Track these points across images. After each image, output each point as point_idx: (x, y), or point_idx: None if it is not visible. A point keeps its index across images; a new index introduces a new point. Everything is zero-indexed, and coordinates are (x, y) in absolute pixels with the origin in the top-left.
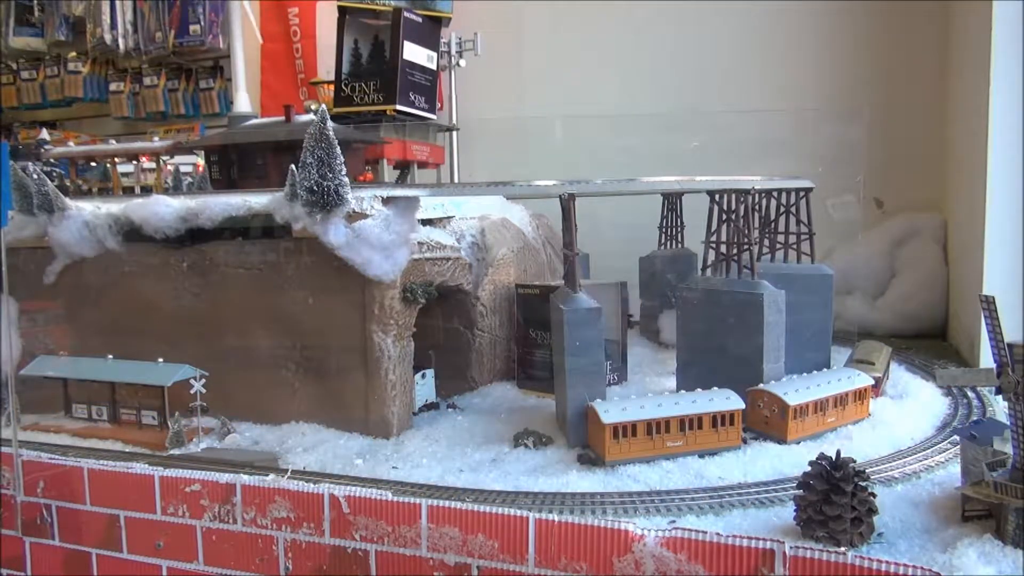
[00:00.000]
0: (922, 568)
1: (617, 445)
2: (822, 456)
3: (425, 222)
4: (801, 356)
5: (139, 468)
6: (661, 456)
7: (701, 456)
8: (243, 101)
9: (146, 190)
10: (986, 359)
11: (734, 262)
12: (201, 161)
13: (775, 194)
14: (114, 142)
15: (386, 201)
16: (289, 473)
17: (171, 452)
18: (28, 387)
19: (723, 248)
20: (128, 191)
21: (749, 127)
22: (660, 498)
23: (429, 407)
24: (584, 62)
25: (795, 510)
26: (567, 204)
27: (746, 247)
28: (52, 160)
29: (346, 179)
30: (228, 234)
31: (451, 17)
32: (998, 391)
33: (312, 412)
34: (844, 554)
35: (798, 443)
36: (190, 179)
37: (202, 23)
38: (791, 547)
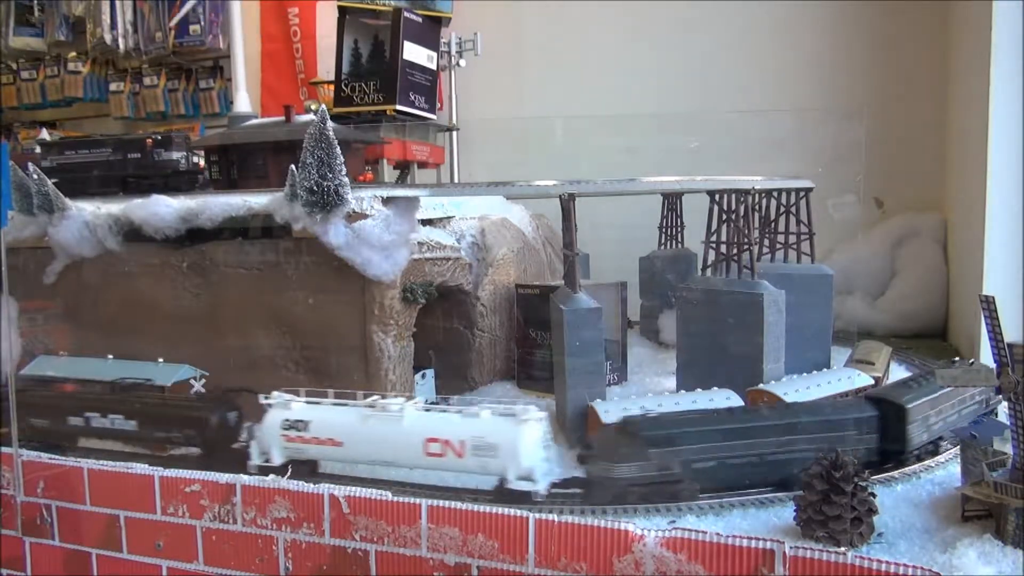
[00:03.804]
0: (922, 568)
1: None
2: (822, 456)
3: (425, 222)
4: (801, 356)
5: (139, 468)
6: None
7: None
8: (243, 101)
9: None
10: (986, 359)
11: (734, 262)
12: (201, 161)
13: (775, 194)
14: None
15: (386, 201)
16: (289, 473)
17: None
18: None
19: (723, 248)
20: None
21: (749, 127)
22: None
23: None
24: (584, 62)
25: (795, 510)
26: (567, 204)
27: (746, 247)
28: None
29: (346, 179)
30: (228, 234)
31: (451, 17)
32: (998, 391)
33: None
34: (844, 554)
35: None
36: None
37: (202, 23)
38: (791, 547)
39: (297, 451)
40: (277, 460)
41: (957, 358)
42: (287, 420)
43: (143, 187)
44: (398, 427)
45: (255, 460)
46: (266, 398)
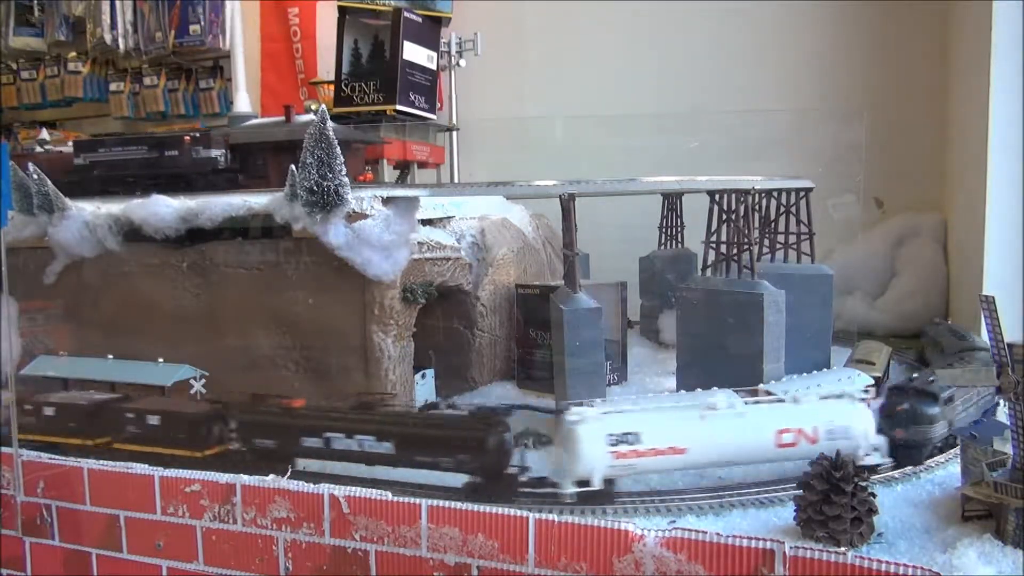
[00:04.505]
0: (922, 568)
1: None
2: (822, 456)
3: (425, 222)
4: (801, 356)
5: (139, 468)
6: None
7: None
8: (243, 101)
9: None
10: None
11: (734, 262)
12: None
13: (775, 194)
14: None
15: (386, 201)
16: (289, 473)
17: None
18: None
19: (723, 248)
20: None
21: (749, 127)
22: (660, 498)
23: (429, 407)
24: (584, 62)
25: (795, 510)
26: (567, 204)
27: (746, 247)
28: None
29: (346, 179)
30: (228, 234)
31: (451, 17)
32: (998, 391)
33: None
34: (844, 554)
35: None
36: None
37: (202, 23)
38: (791, 547)
39: (627, 467)
40: (598, 482)
41: (937, 319)
42: (613, 435)
43: (181, 185)
44: (745, 423)
45: (569, 488)
46: (569, 416)
